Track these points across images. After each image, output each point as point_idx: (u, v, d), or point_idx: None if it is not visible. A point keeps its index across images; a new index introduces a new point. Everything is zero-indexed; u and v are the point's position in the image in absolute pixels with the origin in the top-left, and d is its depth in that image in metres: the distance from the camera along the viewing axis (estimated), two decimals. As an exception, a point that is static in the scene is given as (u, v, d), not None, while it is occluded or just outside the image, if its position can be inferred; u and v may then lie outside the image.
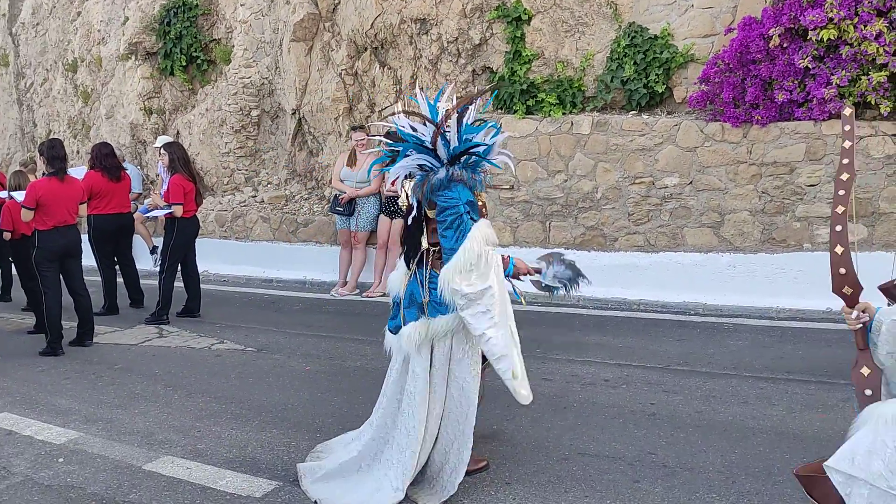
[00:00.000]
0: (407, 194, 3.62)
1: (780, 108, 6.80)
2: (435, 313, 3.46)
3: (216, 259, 9.89)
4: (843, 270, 2.56)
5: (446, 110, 3.36)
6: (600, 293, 7.33)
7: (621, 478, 3.72)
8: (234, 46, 10.81)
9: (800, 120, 6.75)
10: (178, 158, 7.54)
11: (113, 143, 10.03)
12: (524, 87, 8.08)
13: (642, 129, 7.47)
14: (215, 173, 11.18)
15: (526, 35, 8.21)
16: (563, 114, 7.95)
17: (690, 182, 7.28)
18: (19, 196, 6.78)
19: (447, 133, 3.37)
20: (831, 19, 6.32)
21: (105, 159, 7.92)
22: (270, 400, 5.11)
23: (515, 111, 8.08)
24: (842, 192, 2.68)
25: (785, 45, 6.65)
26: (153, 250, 10.10)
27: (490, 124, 3.59)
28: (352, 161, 8.69)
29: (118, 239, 8.19)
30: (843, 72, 6.38)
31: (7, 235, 7.58)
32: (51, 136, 12.25)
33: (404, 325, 3.57)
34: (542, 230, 8.07)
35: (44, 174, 6.73)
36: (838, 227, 2.62)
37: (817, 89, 6.49)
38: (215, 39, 11.13)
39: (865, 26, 6.22)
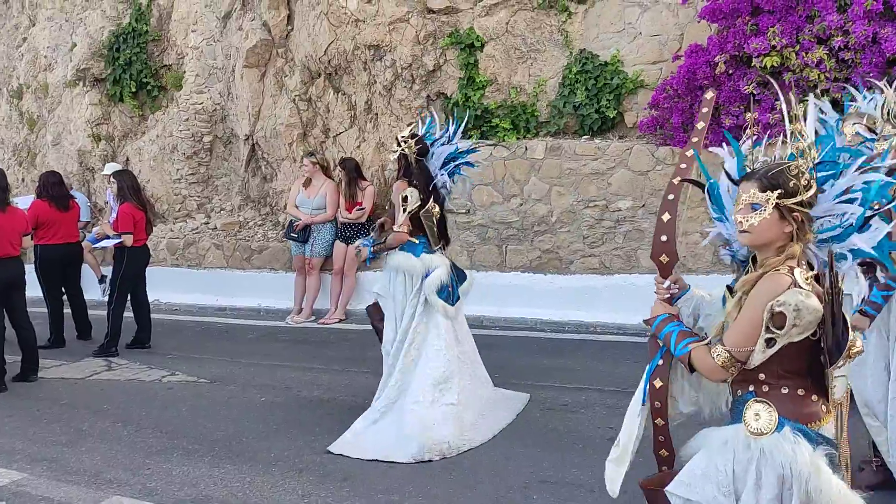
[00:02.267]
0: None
1: (728, 133, 6.95)
2: None
3: (168, 287, 9.67)
4: (664, 238, 2.61)
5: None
6: (557, 316, 7.37)
7: (582, 505, 3.71)
8: (185, 72, 10.67)
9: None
10: (128, 187, 7.38)
11: (60, 170, 9.76)
12: (478, 112, 8.13)
13: (595, 154, 7.57)
14: (166, 200, 10.99)
15: (479, 61, 8.28)
16: (517, 139, 8.02)
17: (643, 205, 7.38)
18: None
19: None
20: (774, 47, 6.51)
21: (52, 188, 7.72)
22: (224, 433, 4.99)
23: (470, 136, 8.12)
24: (683, 166, 2.73)
25: (730, 71, 6.83)
26: (102, 280, 9.84)
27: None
28: (307, 187, 8.62)
29: (66, 269, 7.96)
30: (789, 97, 6.56)
31: None
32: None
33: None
34: (499, 254, 8.09)
35: (-14, 205, 6.51)
36: (670, 196, 2.65)
37: (762, 115, 6.66)
38: (166, 65, 10.98)
39: (807, 53, 6.42)
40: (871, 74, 5.87)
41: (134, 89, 11.02)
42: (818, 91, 6.33)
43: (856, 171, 2.18)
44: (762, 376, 2.22)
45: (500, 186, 7.99)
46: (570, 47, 7.99)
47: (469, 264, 8.20)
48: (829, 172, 2.21)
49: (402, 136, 4.94)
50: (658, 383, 2.54)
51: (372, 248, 5.02)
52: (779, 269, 2.15)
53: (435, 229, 4.88)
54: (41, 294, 7.88)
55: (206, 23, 10.34)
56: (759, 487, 2.16)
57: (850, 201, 2.16)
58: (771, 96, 6.64)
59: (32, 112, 12.67)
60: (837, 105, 6.11)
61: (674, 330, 2.41)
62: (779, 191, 2.18)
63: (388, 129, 8.84)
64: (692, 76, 6.97)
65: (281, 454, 4.57)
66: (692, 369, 2.33)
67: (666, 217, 2.60)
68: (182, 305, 9.60)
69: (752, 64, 6.65)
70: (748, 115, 2.77)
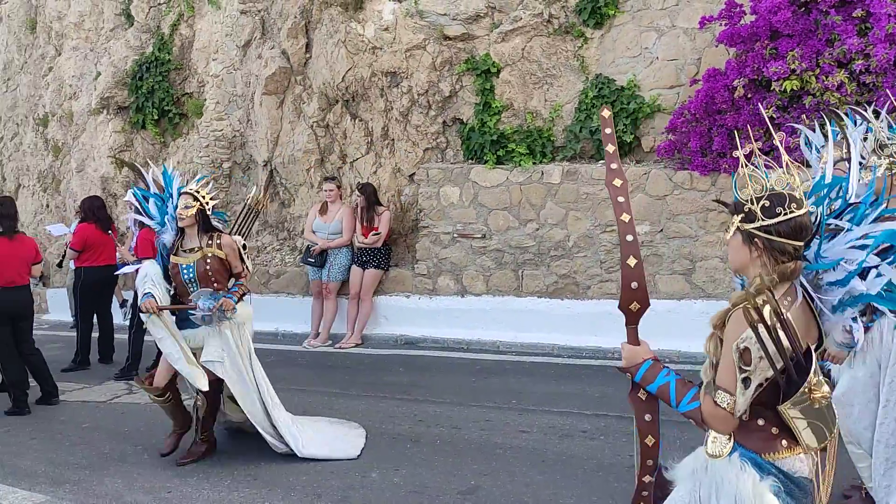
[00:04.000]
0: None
1: (747, 157, 6.92)
2: None
3: (187, 312, 9.72)
4: (635, 285, 2.46)
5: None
6: (574, 342, 7.32)
7: (602, 532, 3.66)
8: (205, 100, 10.84)
9: (765, 168, 6.88)
10: (148, 212, 7.47)
11: (83, 196, 9.91)
12: (494, 137, 8.17)
13: (612, 178, 7.56)
14: (186, 225, 11.09)
15: (495, 87, 8.34)
16: (534, 163, 8.04)
17: (661, 230, 7.36)
18: None
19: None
20: (794, 70, 6.50)
21: (98, 211, 8.03)
22: (243, 457, 4.99)
23: (486, 161, 8.16)
24: (621, 199, 2.49)
25: (749, 95, 6.82)
26: (123, 304, 9.93)
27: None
28: (323, 212, 8.68)
29: (102, 292, 8.10)
30: (808, 121, 6.54)
31: None
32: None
33: None
34: (515, 279, 8.08)
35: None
36: (629, 238, 2.47)
37: (783, 138, 6.65)
38: (187, 93, 11.16)
39: (827, 77, 6.40)
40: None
41: (156, 117, 11.20)
42: (804, 117, 6.26)
43: (873, 220, 2.17)
44: None
45: (517, 211, 8.01)
46: (586, 72, 8.04)
47: (485, 289, 8.20)
48: (850, 216, 2.20)
49: (199, 192, 5.15)
50: (650, 441, 2.48)
51: (236, 302, 4.98)
52: (748, 304, 2.08)
53: None
54: (69, 317, 7.98)
55: (227, 51, 10.51)
56: None
57: (864, 248, 2.13)
58: (790, 119, 6.62)
59: (57, 139, 12.89)
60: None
61: (670, 381, 2.32)
62: (741, 215, 2.21)
63: (404, 155, 8.91)
64: (710, 100, 6.97)
65: (299, 479, 4.56)
66: (700, 422, 2.24)
67: (633, 262, 2.46)
68: (201, 330, 9.63)
69: (772, 88, 6.65)
70: (749, 144, 2.73)
